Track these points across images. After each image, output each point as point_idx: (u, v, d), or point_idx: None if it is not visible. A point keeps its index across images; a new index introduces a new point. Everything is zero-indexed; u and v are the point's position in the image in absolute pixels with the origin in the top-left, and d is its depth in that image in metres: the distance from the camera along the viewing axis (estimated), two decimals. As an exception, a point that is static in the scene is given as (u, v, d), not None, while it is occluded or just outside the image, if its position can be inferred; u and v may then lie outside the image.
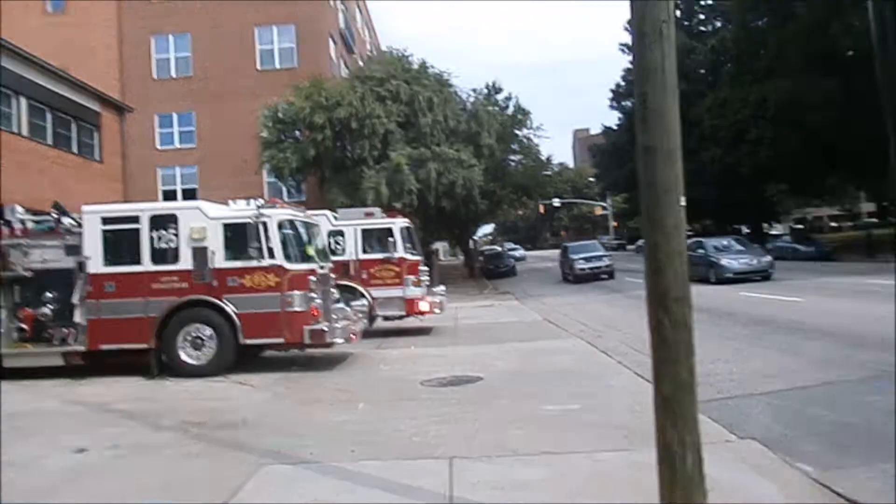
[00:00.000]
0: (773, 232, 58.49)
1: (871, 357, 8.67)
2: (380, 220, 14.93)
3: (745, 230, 54.98)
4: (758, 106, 35.15)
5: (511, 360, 10.59)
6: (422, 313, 14.65)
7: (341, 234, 14.54)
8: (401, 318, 14.82)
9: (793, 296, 17.26)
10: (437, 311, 14.90)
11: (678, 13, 49.78)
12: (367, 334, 13.66)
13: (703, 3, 51.34)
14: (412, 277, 14.49)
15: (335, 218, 14.88)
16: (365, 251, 14.51)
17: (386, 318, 14.85)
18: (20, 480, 5.41)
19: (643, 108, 3.28)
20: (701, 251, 24.50)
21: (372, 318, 14.36)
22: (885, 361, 8.16)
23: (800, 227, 67.28)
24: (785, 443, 5.56)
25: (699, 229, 52.50)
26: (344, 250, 14.41)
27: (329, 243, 14.26)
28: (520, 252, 70.78)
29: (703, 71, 47.67)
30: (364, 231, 14.66)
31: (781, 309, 14.77)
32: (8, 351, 10.34)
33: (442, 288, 16.01)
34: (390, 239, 14.34)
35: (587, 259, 31.72)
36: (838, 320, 12.29)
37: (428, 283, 15.30)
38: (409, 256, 14.59)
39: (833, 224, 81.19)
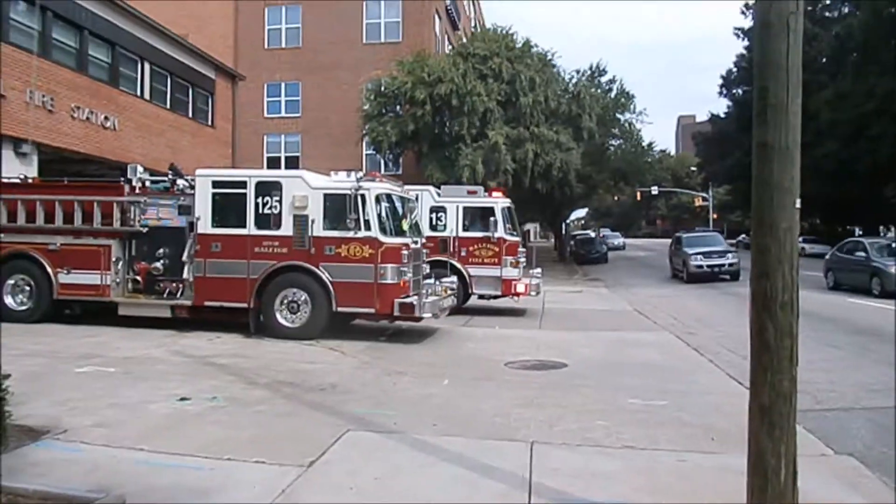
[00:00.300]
0: (890, 235, 54.58)
1: None
2: (482, 199, 14.93)
3: (857, 232, 51.64)
4: (884, 100, 32.69)
5: (597, 348, 10.46)
6: (517, 294, 14.58)
7: (443, 210, 14.63)
8: (496, 297, 14.84)
9: (907, 306, 16.11)
10: (532, 293, 14.83)
11: (803, -3, 46.76)
12: (462, 311, 13.86)
13: (830, -14, 48.02)
14: (510, 258, 14.45)
15: (438, 194, 15.00)
16: (465, 229, 14.56)
17: (481, 297, 14.92)
18: (129, 421, 5.85)
19: (762, 103, 3.13)
20: (861, 255, 20.71)
21: (467, 295, 14.52)
22: None
23: (921, 232, 62.44)
24: (886, 463, 5.25)
25: (806, 228, 49.68)
26: (445, 226, 14.54)
27: (431, 219, 14.50)
28: (620, 240, 66.46)
29: (824, 60, 44.71)
30: (465, 209, 14.70)
31: (892, 319, 13.82)
32: (123, 300, 11.13)
33: (538, 270, 15.88)
34: (491, 218, 14.31)
35: (706, 254, 26.02)
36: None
37: (524, 264, 15.26)
38: (508, 237, 14.54)
39: (960, 231, 74.91)
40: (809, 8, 46.86)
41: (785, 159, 3.07)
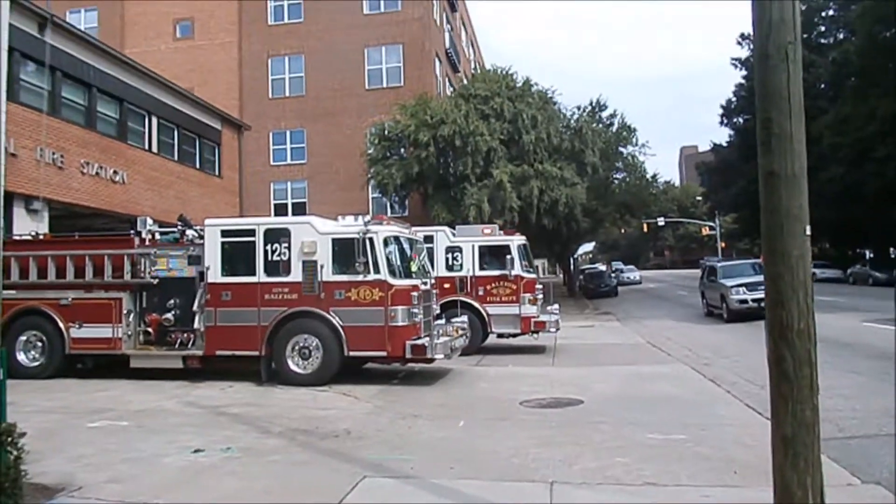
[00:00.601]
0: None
1: None
2: (497, 238, 15.00)
3: (868, 254, 51.33)
4: (886, 122, 32.84)
5: (612, 383, 10.34)
6: (536, 331, 14.50)
7: (459, 250, 14.62)
8: (515, 335, 14.77)
9: (925, 328, 15.91)
10: (552, 329, 14.76)
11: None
12: (476, 350, 13.75)
13: (823, 14, 48.68)
14: (528, 295, 14.43)
15: (453, 234, 15.05)
16: (482, 268, 14.57)
17: (500, 336, 14.85)
18: (143, 475, 5.79)
19: (766, 133, 3.15)
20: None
21: (486, 334, 14.50)
22: None
23: (932, 253, 62.02)
24: (916, 491, 5.13)
25: (816, 253, 49.43)
26: (461, 266, 14.55)
27: (447, 259, 14.54)
28: (635, 273, 61.17)
29: (823, 86, 45.09)
30: (481, 248, 14.71)
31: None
32: (134, 352, 11.13)
33: (556, 307, 15.80)
34: (508, 256, 14.30)
35: (750, 286, 20.09)
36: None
37: (542, 301, 15.22)
38: (525, 274, 14.53)
39: (972, 251, 74.39)
40: (805, 35, 47.42)
41: (793, 187, 3.08)
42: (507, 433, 7.20)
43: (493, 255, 14.71)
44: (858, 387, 9.35)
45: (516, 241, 14.79)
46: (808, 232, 3.11)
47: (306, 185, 33.79)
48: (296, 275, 10.40)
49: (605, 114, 34.40)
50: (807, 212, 3.12)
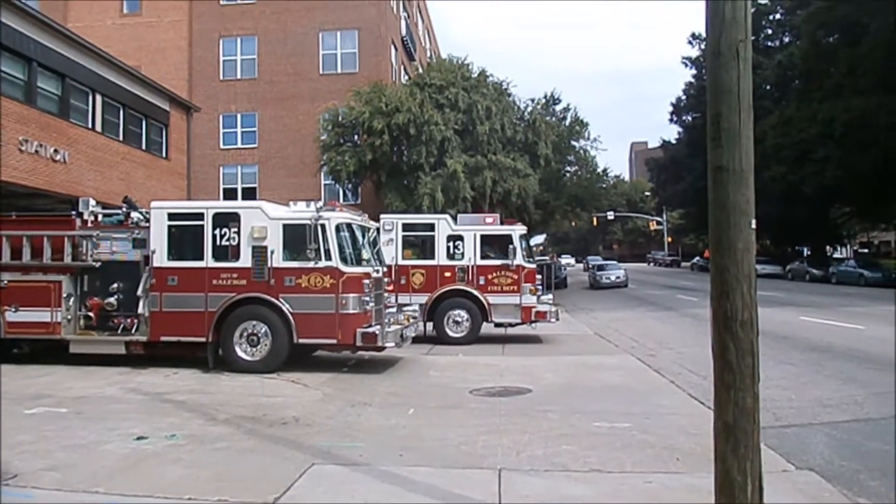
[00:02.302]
0: (837, 255, 56.55)
1: (940, 392, 8.30)
2: (499, 227, 15.00)
3: (806, 252, 53.34)
4: (826, 125, 34.08)
5: (561, 373, 10.50)
6: (537, 319, 14.54)
7: (460, 238, 14.56)
8: (515, 325, 14.81)
9: (855, 323, 16.65)
10: (552, 319, 14.84)
11: (745, 27, 48.57)
12: (424, 339, 13.76)
13: (771, 17, 50.11)
14: (529, 285, 14.45)
15: (455, 222, 14.99)
16: (483, 257, 14.57)
17: (498, 325, 14.86)
18: (83, 463, 5.63)
19: (716, 128, 3.23)
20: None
21: (480, 323, 14.53)
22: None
23: (865, 251, 64.81)
24: (845, 476, 5.37)
25: (758, 249, 50.98)
26: (462, 255, 14.51)
27: (448, 248, 14.49)
28: (619, 272, 41.21)
29: (768, 87, 46.48)
30: (483, 237, 14.67)
31: (842, 336, 14.25)
32: (75, 337, 10.78)
33: (550, 297, 15.83)
34: (510, 246, 14.30)
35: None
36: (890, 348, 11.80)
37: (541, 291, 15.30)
38: (526, 264, 14.54)
39: (901, 250, 78.01)
40: (753, 38, 48.60)
41: (740, 181, 3.17)
42: (456, 421, 7.24)
43: (494, 245, 14.71)
44: (794, 378, 9.73)
45: (518, 230, 14.80)
46: (754, 226, 3.21)
47: (257, 170, 33.24)
48: (245, 260, 10.23)
49: (558, 107, 34.78)
50: (752, 206, 3.22)
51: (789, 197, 39.67)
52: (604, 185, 44.01)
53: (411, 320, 11.65)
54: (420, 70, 34.82)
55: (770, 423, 6.93)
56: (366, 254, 10.99)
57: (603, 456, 5.85)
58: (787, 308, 21.28)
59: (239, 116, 33.69)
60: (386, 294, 11.45)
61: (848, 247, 66.67)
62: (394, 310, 11.60)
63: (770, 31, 50.83)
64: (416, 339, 14.43)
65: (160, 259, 10.46)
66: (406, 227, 14.95)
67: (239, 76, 33.62)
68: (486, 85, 28.88)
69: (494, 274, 14.42)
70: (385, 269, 11.67)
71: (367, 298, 10.22)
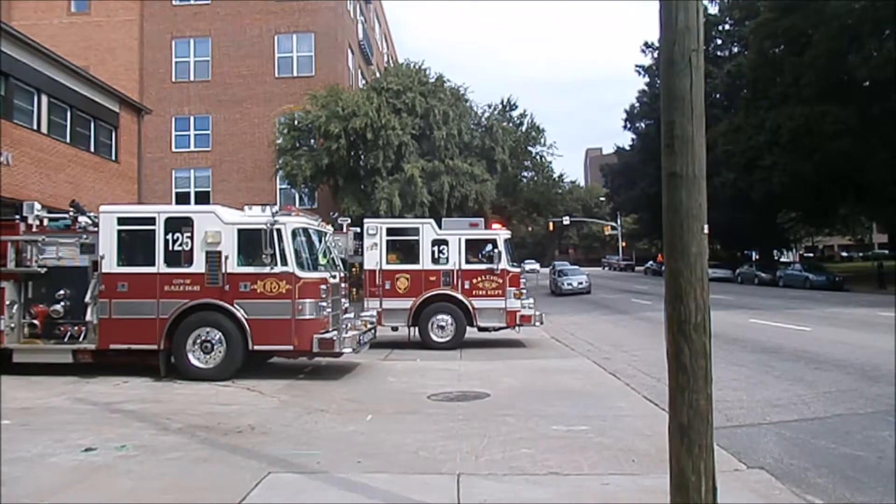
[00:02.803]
0: (784, 259, 58.30)
1: (882, 391, 8.62)
2: (484, 231, 14.95)
3: (755, 256, 54.88)
4: (773, 132, 35.15)
5: (518, 377, 10.56)
6: (522, 323, 14.51)
7: (445, 243, 14.46)
8: (500, 329, 14.76)
9: (801, 325, 17.17)
10: (537, 323, 14.83)
11: (695, 37, 49.83)
12: (382, 344, 13.67)
13: (720, 28, 51.49)
14: (514, 289, 14.42)
15: (439, 227, 14.85)
16: (468, 261, 14.46)
17: (481, 329, 14.78)
18: (27, 478, 5.43)
19: (669, 135, 3.29)
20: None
21: (464, 328, 14.46)
22: (896, 396, 8.11)
23: (810, 255, 66.95)
24: (795, 474, 5.53)
25: (708, 254, 52.28)
26: (447, 259, 14.42)
27: (433, 252, 14.39)
28: (581, 277, 37.90)
29: (718, 95, 47.74)
30: (468, 241, 14.59)
31: (790, 337, 14.68)
32: (19, 346, 10.40)
33: (531, 301, 15.74)
34: (495, 250, 14.30)
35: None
36: (848, 352, 12.21)
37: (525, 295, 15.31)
38: (511, 268, 14.51)
39: (844, 254, 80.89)
40: (704, 47, 49.99)
41: (693, 187, 3.23)
42: (414, 427, 7.21)
43: (479, 249, 14.70)
44: (745, 379, 9.97)
45: (503, 234, 14.77)
46: (706, 230, 3.27)
47: (210, 174, 32.67)
48: (199, 266, 10.02)
49: (515, 113, 35.11)
50: (705, 211, 3.28)
51: (739, 202, 40.81)
52: (560, 191, 44.65)
53: (369, 326, 11.57)
54: (377, 74, 34.74)
55: (722, 423, 7.08)
56: (322, 259, 10.88)
57: (560, 459, 5.90)
58: (737, 311, 21.83)
59: (192, 119, 33.08)
60: (343, 299, 11.35)
61: (794, 251, 68.84)
62: (351, 315, 11.51)
63: (720, 42, 52.26)
64: (402, 345, 14.55)
65: (109, 265, 10.17)
66: (390, 231, 14.81)
67: (192, 78, 33.02)
68: (444, 90, 28.98)
69: (479, 278, 14.39)
70: (342, 274, 11.57)
71: (324, 304, 10.12)
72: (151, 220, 10.27)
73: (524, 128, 35.24)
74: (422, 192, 25.47)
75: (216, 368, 9.94)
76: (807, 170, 34.32)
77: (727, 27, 51.27)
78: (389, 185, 25.58)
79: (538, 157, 36.68)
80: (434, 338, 14.32)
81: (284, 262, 9.90)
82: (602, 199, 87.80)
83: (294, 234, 10.10)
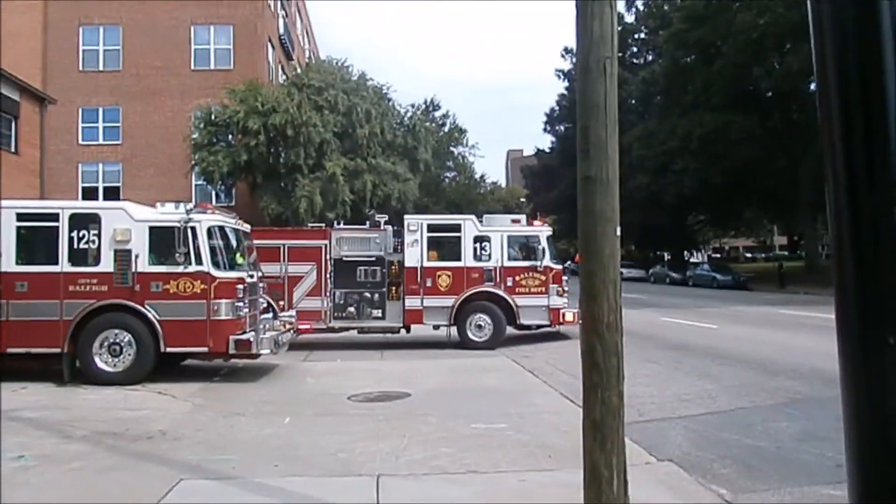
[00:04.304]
0: (693, 260, 60.97)
1: (781, 384, 9.13)
2: (527, 228, 14.79)
3: (667, 256, 57.16)
4: (684, 139, 36.69)
5: (439, 376, 10.60)
6: (565, 323, 14.36)
7: (487, 239, 14.20)
8: (542, 327, 14.59)
9: (709, 322, 17.99)
10: (580, 321, 14.59)
11: (612, 44, 51.44)
12: (302, 345, 13.44)
13: (636, 36, 53.33)
14: (557, 286, 14.24)
15: (481, 223, 14.60)
16: (510, 258, 14.23)
17: (524, 328, 14.61)
18: (-87, 492, 5.04)
19: (585, 141, 3.38)
20: None
21: (504, 327, 14.22)
22: (793, 389, 8.61)
23: (717, 256, 70.33)
24: (701, 465, 5.78)
25: (623, 254, 54.17)
26: (489, 256, 14.16)
27: (475, 249, 14.13)
28: None
29: (633, 101, 49.42)
30: (510, 238, 14.36)
31: (698, 335, 15.36)
32: None
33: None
34: (538, 247, 14.12)
35: None
36: (751, 348, 12.88)
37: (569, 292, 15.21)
38: (554, 265, 14.33)
39: (748, 255, 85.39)
40: (620, 54, 51.53)
41: (606, 191, 3.33)
42: (334, 428, 7.13)
43: (521, 246, 14.44)
44: (656, 375, 10.36)
45: (545, 231, 14.60)
46: (619, 233, 3.38)
47: (121, 169, 31.23)
48: (106, 265, 9.57)
49: (438, 114, 35.31)
50: (618, 214, 3.39)
51: (652, 205, 42.40)
52: (481, 191, 45.16)
53: (287, 326, 11.36)
54: (298, 70, 34.14)
55: (634, 418, 7.33)
56: (240, 258, 10.60)
57: (479, 457, 5.96)
58: (650, 309, 22.66)
59: (101, 111, 31.52)
60: (261, 299, 11.10)
61: (703, 252, 72.10)
62: (269, 316, 11.27)
63: (635, 49, 54.11)
64: (440, 345, 14.25)
65: (7, 263, 9.57)
66: (431, 227, 14.53)
67: (101, 68, 31.45)
68: (367, 88, 28.79)
69: (522, 275, 14.15)
70: (260, 273, 11.29)
71: (241, 304, 9.86)
72: (54, 217, 9.74)
73: (447, 128, 35.50)
74: (344, 191, 25.23)
75: (125, 372, 9.53)
76: (715, 175, 36.02)
77: (642, 36, 53.13)
78: (310, 184, 25.20)
79: (460, 158, 37.09)
80: (472, 337, 14.15)
81: (199, 262, 9.59)
82: (522, 200, 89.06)
83: (209, 232, 9.79)
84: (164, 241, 9.63)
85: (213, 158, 26.03)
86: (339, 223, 17.40)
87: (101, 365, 9.54)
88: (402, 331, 14.74)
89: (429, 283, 14.18)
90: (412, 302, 14.16)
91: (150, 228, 9.71)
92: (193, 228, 9.61)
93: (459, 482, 5.30)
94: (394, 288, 14.39)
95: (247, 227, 11.54)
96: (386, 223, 15.09)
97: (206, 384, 9.83)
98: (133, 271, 9.51)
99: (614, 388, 3.34)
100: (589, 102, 3.37)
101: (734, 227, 57.61)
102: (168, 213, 9.89)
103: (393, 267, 14.45)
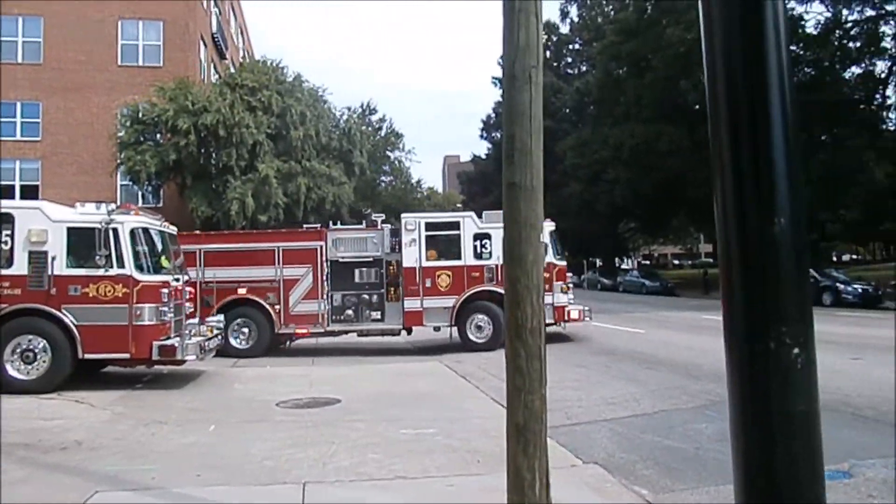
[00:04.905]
0: (624, 266, 62.61)
1: (703, 387, 9.44)
2: None
3: (598, 262, 58.52)
4: (616, 148, 37.66)
5: (371, 381, 10.53)
6: (571, 321, 14.07)
7: (488, 236, 13.80)
8: (548, 325, 14.16)
9: (637, 328, 18.48)
10: (587, 319, 14.34)
11: (548, 54, 52.53)
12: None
13: (571, 47, 54.52)
14: (561, 284, 13.92)
15: (481, 220, 14.15)
16: None
17: None
18: None
19: (510, 147, 3.42)
20: None
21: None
22: (714, 392, 8.93)
23: (647, 262, 72.47)
24: (624, 467, 5.91)
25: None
26: (490, 254, 13.73)
27: (475, 247, 13.74)
28: None
29: (568, 110, 50.48)
30: None
31: (627, 339, 15.75)
32: None
33: (571, 296, 15.32)
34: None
35: None
36: (676, 352, 13.29)
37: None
38: (557, 262, 13.96)
39: (675, 262, 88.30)
40: (555, 64, 52.80)
41: (530, 198, 3.37)
42: (260, 435, 6.98)
43: None
44: (585, 379, 10.56)
45: (548, 226, 14.02)
46: (543, 239, 3.43)
47: (40, 166, 29.84)
48: (20, 267, 9.12)
49: (374, 117, 35.22)
50: (542, 220, 3.44)
51: (585, 212, 43.36)
52: (418, 196, 45.21)
53: (214, 332, 11.07)
54: (232, 70, 33.42)
55: (563, 421, 7.47)
56: (165, 261, 10.27)
57: (408, 462, 5.94)
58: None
59: (19, 105, 30.03)
60: (187, 304, 10.78)
61: (633, 258, 74.13)
62: (195, 321, 10.95)
63: (570, 60, 55.33)
64: (444, 349, 13.88)
65: None
66: (429, 226, 14.17)
67: (20, 60, 29.99)
68: (302, 90, 28.43)
69: None
70: (187, 278, 10.97)
71: (166, 309, 9.55)
72: (-38, 216, 9.22)
73: (383, 132, 35.45)
74: (277, 193, 24.81)
75: (40, 380, 9.09)
76: (645, 184, 37.09)
77: (577, 47, 54.35)
78: (242, 185, 24.68)
79: (397, 162, 37.02)
80: (472, 338, 13.88)
81: (121, 265, 9.25)
82: (459, 205, 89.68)
83: (133, 234, 9.46)
84: (83, 243, 9.25)
85: (139, 158, 25.14)
86: (272, 226, 17.09)
87: (13, 372, 9.09)
88: (403, 332, 14.52)
89: (428, 284, 13.90)
90: (412, 303, 13.88)
91: (69, 229, 9.31)
92: (115, 230, 9.27)
93: (387, 488, 5.27)
94: (392, 289, 14.17)
95: (173, 230, 11.21)
96: (385, 223, 14.83)
97: (127, 392, 9.48)
98: (49, 274, 9.09)
99: (537, 392, 3.38)
100: (515, 110, 3.42)
101: (663, 234, 59.44)
102: (88, 214, 9.51)
103: (391, 267, 14.21)
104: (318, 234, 14.50)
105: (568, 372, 10.75)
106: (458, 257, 14.05)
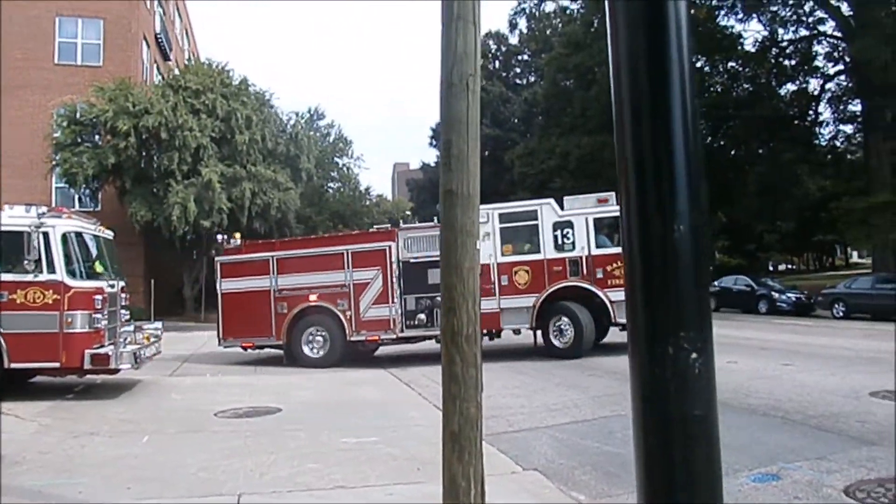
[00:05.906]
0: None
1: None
2: (616, 207, 13.58)
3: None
4: (563, 158, 38.24)
5: (314, 390, 10.40)
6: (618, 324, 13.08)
7: (569, 225, 12.76)
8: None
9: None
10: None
11: (497, 64, 53.08)
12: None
13: (519, 58, 55.20)
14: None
15: (560, 206, 13.14)
16: (599, 245, 12.62)
17: (624, 327, 13.61)
18: None
19: (447, 154, 3.43)
20: None
21: (606, 327, 12.79)
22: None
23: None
24: (564, 473, 5.97)
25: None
26: (573, 245, 12.69)
27: (555, 237, 12.70)
28: None
29: (516, 120, 51.04)
30: (597, 221, 12.72)
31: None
32: None
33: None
34: None
35: None
36: (617, 358, 13.49)
37: None
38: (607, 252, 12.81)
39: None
40: (504, 74, 53.35)
41: (467, 205, 3.38)
42: (197, 446, 6.80)
43: (612, 230, 12.73)
44: (527, 386, 10.64)
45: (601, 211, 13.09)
46: (478, 246, 3.44)
47: (-31, 167, 28.53)
48: (-60, 272, 8.70)
49: (322, 123, 34.93)
50: (478, 228, 3.46)
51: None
52: (367, 203, 44.97)
53: (152, 339, 10.75)
54: (176, 72, 32.68)
55: (504, 428, 7.52)
56: (100, 267, 9.94)
57: (348, 472, 5.87)
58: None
59: (-53, 103, 28.72)
60: (122, 311, 10.44)
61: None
62: (131, 328, 10.62)
63: (518, 70, 55.95)
64: (527, 354, 13.27)
65: None
66: (503, 217, 13.09)
67: (-52, 56, 28.69)
68: (248, 94, 28.01)
69: (615, 264, 12.28)
70: (123, 284, 10.63)
71: (99, 316, 9.23)
72: None
73: (331, 138, 35.19)
74: (220, 198, 24.34)
75: (-39, 391, 8.66)
76: (591, 194, 37.70)
77: (525, 57, 55.04)
78: (184, 190, 24.13)
79: (345, 169, 36.79)
80: (554, 342, 12.90)
81: (52, 270, 8.91)
82: (408, 212, 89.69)
83: (65, 238, 9.13)
84: (11, 247, 8.87)
85: (76, 160, 24.37)
86: (216, 231, 16.71)
87: (-68, 383, 8.63)
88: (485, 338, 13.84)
89: (504, 282, 12.90)
90: (487, 304, 12.48)
91: (-4, 233, 8.92)
92: (46, 234, 8.92)
93: (326, 498, 5.19)
94: None
95: (109, 234, 10.86)
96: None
97: (56, 402, 9.11)
98: (-28, 280, 8.69)
99: (472, 399, 3.39)
100: (452, 117, 3.42)
101: (607, 243, 60.66)
102: (16, 217, 9.12)
103: None
104: (389, 234, 13.75)
105: (512, 379, 10.83)
106: (537, 250, 13.00)
